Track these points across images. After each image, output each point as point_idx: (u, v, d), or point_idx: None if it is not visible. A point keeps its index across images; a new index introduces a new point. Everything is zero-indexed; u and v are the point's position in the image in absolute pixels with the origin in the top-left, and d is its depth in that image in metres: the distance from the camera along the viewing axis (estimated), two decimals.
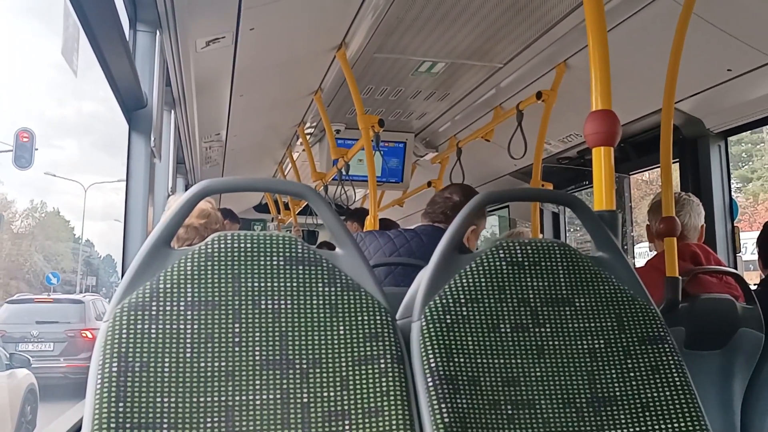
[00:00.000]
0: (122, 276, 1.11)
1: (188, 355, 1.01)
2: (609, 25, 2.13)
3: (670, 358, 1.14)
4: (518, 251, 1.17)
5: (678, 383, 1.12)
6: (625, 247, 3.76)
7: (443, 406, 1.01)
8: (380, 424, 1.00)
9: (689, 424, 1.08)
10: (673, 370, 1.13)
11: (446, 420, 1.00)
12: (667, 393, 1.11)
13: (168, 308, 1.03)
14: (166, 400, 0.97)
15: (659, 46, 2.25)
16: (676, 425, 1.08)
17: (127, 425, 0.94)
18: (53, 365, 8.80)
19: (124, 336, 1.00)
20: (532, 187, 3.15)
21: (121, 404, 0.95)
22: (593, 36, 1.47)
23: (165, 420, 0.96)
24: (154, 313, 1.02)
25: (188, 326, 1.02)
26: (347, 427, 1.00)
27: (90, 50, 1.82)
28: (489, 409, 1.04)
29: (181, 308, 1.03)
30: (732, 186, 3.03)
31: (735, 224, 2.93)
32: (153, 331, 1.01)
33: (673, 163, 2.40)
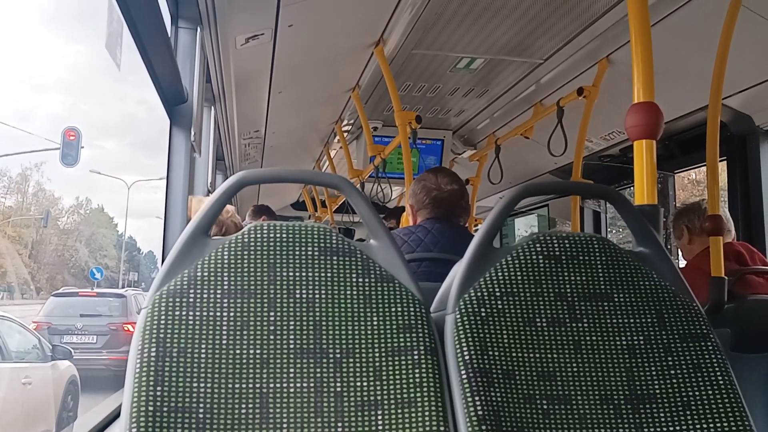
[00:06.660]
0: (161, 265, 1.13)
1: (224, 342, 1.02)
2: (653, 18, 2.08)
3: (713, 356, 1.10)
4: (555, 245, 1.15)
5: (721, 382, 1.08)
6: (668, 247, 3.67)
7: (477, 398, 0.99)
8: (413, 415, 0.99)
9: (732, 424, 1.04)
10: (717, 369, 1.09)
11: (480, 413, 0.98)
12: (710, 392, 1.07)
13: (205, 296, 1.04)
14: (202, 385, 0.98)
15: (706, 41, 2.18)
16: (718, 425, 1.04)
17: (165, 408, 0.95)
18: (96, 357, 9.00)
19: (162, 322, 1.01)
20: (570, 181, 3.09)
21: (159, 388, 0.96)
22: (636, 29, 1.44)
23: (201, 405, 0.97)
24: (191, 300, 1.04)
25: (224, 314, 1.03)
26: (380, 417, 0.99)
27: (131, 59, 1.88)
28: (524, 403, 1.02)
29: (218, 296, 1.04)
30: None
31: None
32: (190, 317, 1.02)
33: (720, 161, 2.33)
